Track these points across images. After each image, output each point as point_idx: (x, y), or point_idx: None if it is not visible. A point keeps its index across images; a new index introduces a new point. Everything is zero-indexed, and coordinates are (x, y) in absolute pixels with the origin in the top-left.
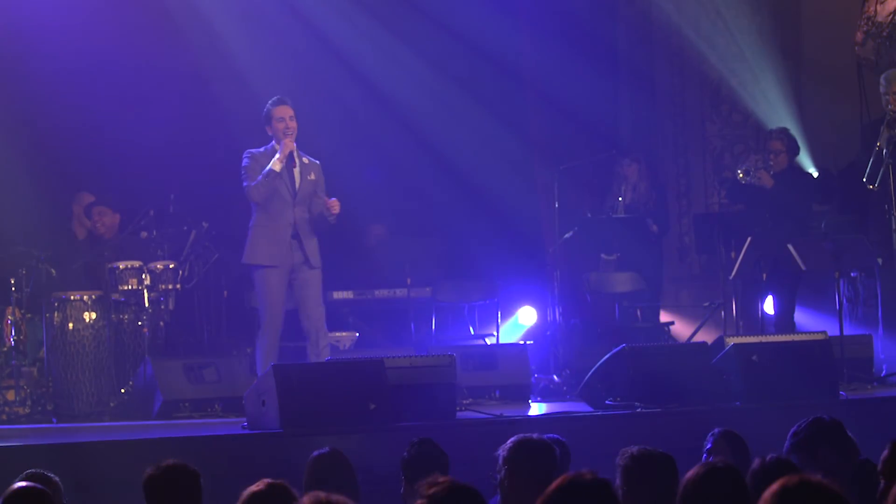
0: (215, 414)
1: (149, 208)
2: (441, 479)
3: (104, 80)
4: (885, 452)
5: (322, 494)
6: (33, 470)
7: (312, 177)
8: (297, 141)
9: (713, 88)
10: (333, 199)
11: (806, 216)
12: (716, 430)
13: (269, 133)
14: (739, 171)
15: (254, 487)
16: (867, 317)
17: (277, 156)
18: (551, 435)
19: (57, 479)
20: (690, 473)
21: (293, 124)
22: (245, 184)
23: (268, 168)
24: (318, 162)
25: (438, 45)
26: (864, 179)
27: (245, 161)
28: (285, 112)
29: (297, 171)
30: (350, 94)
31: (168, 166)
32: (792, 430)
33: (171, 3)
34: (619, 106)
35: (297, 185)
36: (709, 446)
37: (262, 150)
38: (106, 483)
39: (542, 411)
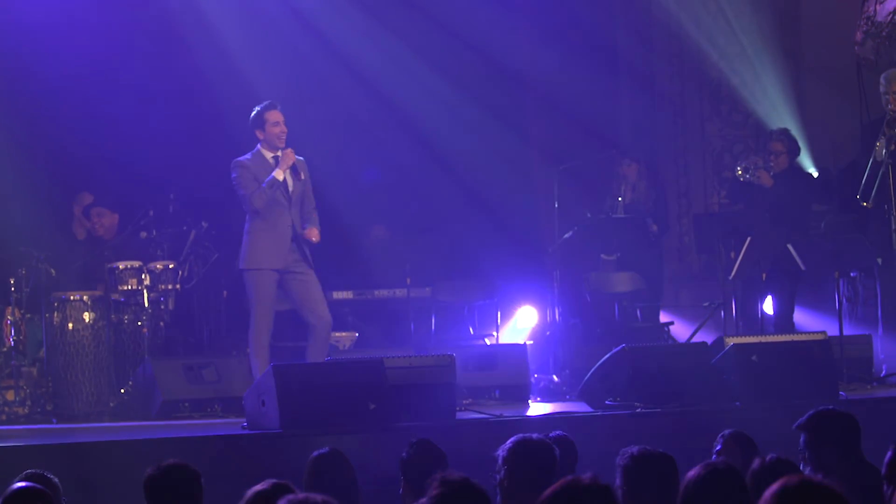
0: (215, 414)
1: (148, 208)
2: (453, 478)
3: (105, 81)
4: (889, 454)
5: (299, 496)
6: (32, 470)
7: (302, 176)
8: (291, 141)
9: (713, 88)
10: (314, 229)
11: (806, 216)
12: (726, 432)
13: (260, 137)
14: (738, 169)
15: (258, 487)
16: (867, 317)
17: (278, 168)
18: (557, 432)
19: (56, 479)
20: (692, 474)
21: (286, 129)
22: (242, 193)
23: (270, 177)
24: (302, 158)
25: (439, 45)
26: (858, 196)
27: (235, 172)
28: (279, 116)
29: (288, 172)
30: (350, 94)
31: (168, 166)
32: (811, 413)
33: (171, 5)
34: (619, 106)
35: (290, 187)
36: (718, 447)
37: (248, 157)
38: (106, 483)
39: (542, 411)
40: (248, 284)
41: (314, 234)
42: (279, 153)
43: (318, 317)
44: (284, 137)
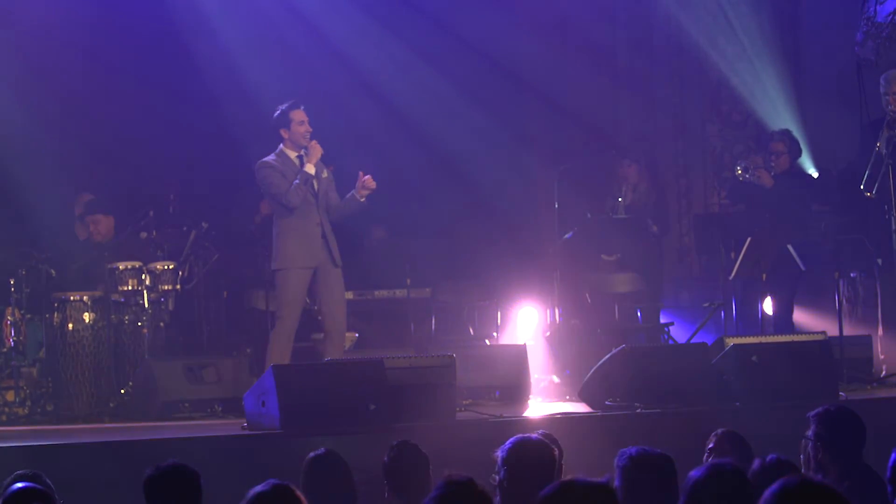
0: (215, 414)
1: (149, 208)
2: (458, 479)
3: (106, 82)
4: (894, 457)
5: None
6: (23, 471)
7: (325, 174)
8: None
9: (713, 88)
10: (365, 178)
11: (806, 217)
12: (719, 431)
13: (285, 135)
14: (738, 168)
15: (259, 488)
16: (867, 317)
17: (308, 162)
18: (541, 431)
19: (48, 479)
20: (696, 474)
21: (310, 128)
22: (274, 192)
23: (302, 172)
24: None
25: (439, 46)
26: (862, 187)
27: (264, 171)
28: (304, 115)
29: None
30: (350, 94)
31: (168, 166)
32: (826, 406)
33: (173, 7)
34: (619, 106)
35: (315, 186)
36: (711, 445)
37: (273, 157)
38: (106, 483)
39: (542, 411)
40: (280, 284)
41: (371, 181)
42: (303, 151)
43: (333, 319)
44: (309, 136)
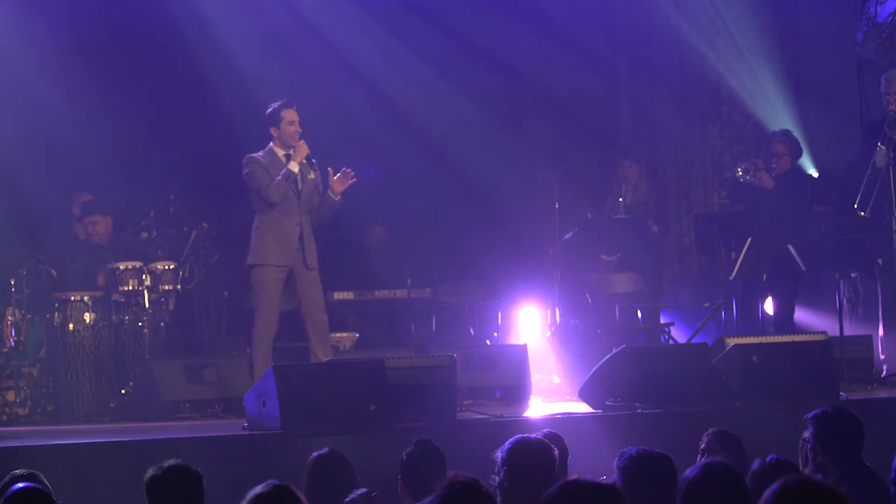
0: (215, 415)
1: (149, 209)
2: (462, 479)
3: (106, 81)
4: None
5: None
6: (20, 471)
7: (312, 175)
8: None
9: (713, 89)
10: (338, 174)
11: (806, 217)
12: (711, 430)
13: (274, 133)
14: (739, 170)
15: (259, 489)
16: (867, 317)
17: (292, 161)
18: (546, 430)
19: (45, 479)
20: (690, 474)
21: (300, 129)
22: (256, 186)
23: (286, 169)
24: (315, 161)
25: (438, 45)
26: (856, 206)
27: (249, 167)
28: (295, 115)
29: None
30: (350, 94)
31: (168, 166)
32: (824, 408)
33: (173, 7)
34: (619, 106)
35: (299, 185)
36: (703, 446)
37: (261, 153)
38: (106, 484)
39: (542, 412)
40: (255, 280)
41: (346, 175)
42: (291, 151)
43: (313, 320)
44: (298, 136)
